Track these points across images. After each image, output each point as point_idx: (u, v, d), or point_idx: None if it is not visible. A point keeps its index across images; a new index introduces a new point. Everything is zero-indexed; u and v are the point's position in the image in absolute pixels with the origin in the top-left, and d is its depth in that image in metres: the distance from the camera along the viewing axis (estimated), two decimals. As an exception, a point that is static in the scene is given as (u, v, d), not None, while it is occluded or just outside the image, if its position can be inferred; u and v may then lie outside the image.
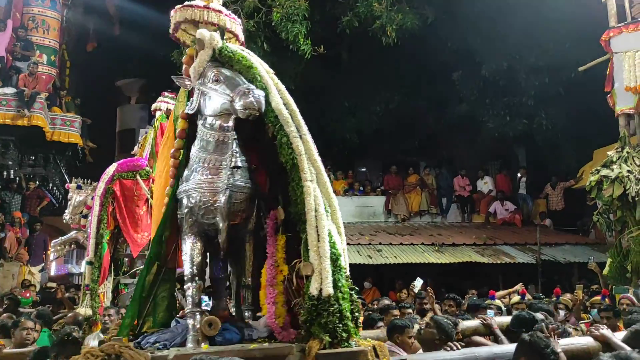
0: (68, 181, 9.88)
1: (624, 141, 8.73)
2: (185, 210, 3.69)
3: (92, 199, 7.49)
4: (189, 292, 3.64)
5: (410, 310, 6.33)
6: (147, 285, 3.84)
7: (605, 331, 3.85)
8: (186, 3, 4.04)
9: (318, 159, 3.73)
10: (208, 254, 3.94)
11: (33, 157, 14.10)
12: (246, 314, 3.87)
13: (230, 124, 3.67)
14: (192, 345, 3.45)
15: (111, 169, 7.36)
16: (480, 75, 14.71)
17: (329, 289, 3.34)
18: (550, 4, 12.63)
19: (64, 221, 8.84)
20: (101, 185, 7.24)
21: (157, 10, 12.87)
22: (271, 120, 3.68)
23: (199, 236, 3.73)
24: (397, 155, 16.67)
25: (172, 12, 4.11)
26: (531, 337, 3.10)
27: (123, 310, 6.61)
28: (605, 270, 8.46)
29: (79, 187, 8.55)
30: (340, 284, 3.42)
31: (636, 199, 7.96)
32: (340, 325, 3.35)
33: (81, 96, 15.48)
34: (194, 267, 3.66)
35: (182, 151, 3.93)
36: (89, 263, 7.02)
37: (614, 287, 7.85)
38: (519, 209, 15.34)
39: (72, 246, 8.96)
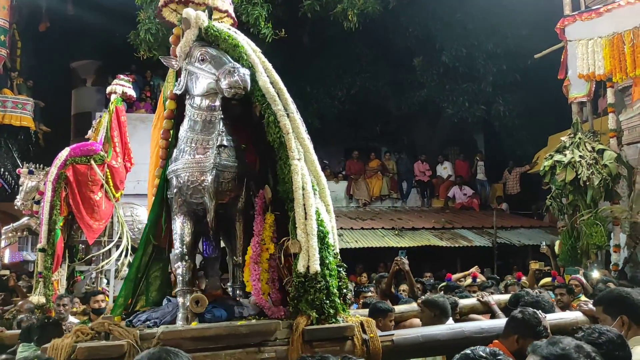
0: (20, 166, 9.55)
1: (576, 127, 8.97)
2: (175, 190, 3.72)
3: (45, 184, 7.27)
4: (179, 271, 3.68)
5: (370, 294, 6.40)
6: (142, 266, 3.89)
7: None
8: None
9: (306, 137, 3.79)
10: (200, 233, 3.98)
11: (-17, 142, 13.60)
12: (237, 292, 3.89)
13: (217, 103, 3.66)
14: (182, 323, 3.47)
15: (64, 153, 7.14)
16: (440, 61, 14.86)
17: (315, 266, 3.41)
18: (508, -9, 12.82)
19: (16, 207, 8.57)
20: (53, 171, 7.03)
21: (112, -11, 12.50)
22: (258, 98, 3.71)
23: (188, 216, 3.76)
24: (358, 141, 16.74)
25: None
26: (523, 314, 3.08)
27: (77, 299, 6.51)
28: (557, 251, 8.72)
29: (30, 172, 8.29)
30: (327, 261, 3.50)
31: (587, 183, 8.20)
32: (327, 301, 3.43)
33: (34, 78, 14.92)
34: (184, 247, 3.71)
35: (171, 132, 3.93)
36: (42, 250, 6.83)
37: (565, 268, 8.10)
38: (477, 194, 15.67)
39: (25, 233, 8.69)
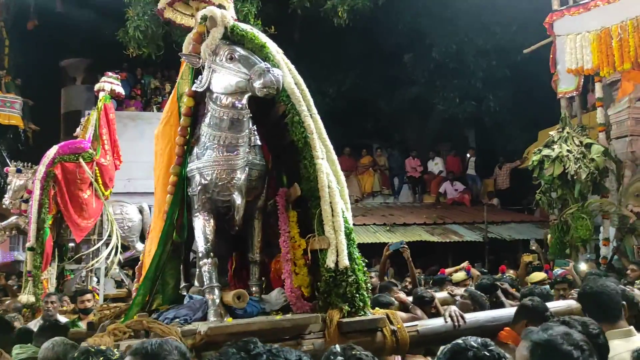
0: (9, 165, 9.49)
1: (564, 122, 9.02)
2: (199, 188, 3.70)
3: (33, 183, 7.22)
4: (205, 268, 3.70)
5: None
6: (161, 264, 3.88)
7: None
8: None
9: (327, 137, 3.85)
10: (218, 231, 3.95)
11: (-29, 140, 13.50)
12: (254, 289, 3.90)
13: (244, 102, 3.64)
14: (216, 319, 3.48)
15: (52, 151, 7.10)
16: (431, 57, 14.89)
17: (345, 261, 3.48)
18: (497, -13, 12.85)
19: (4, 206, 8.51)
20: (42, 169, 6.99)
21: (101, -13, 12.43)
22: (283, 99, 3.73)
23: (211, 213, 3.76)
24: (349, 137, 16.75)
25: None
26: (532, 301, 3.40)
27: (66, 298, 6.48)
28: (545, 247, 8.79)
29: (18, 171, 8.23)
30: (354, 256, 3.58)
31: (575, 177, 8.26)
32: (358, 295, 3.51)
33: (22, 76, 14.82)
34: (209, 244, 3.72)
35: (188, 129, 3.91)
36: (30, 249, 6.80)
37: (555, 261, 8.15)
38: (468, 189, 15.73)
39: (13, 232, 8.63)
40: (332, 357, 2.04)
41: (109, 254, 7.42)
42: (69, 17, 14.42)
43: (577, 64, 8.69)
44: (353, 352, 2.05)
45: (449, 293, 5.11)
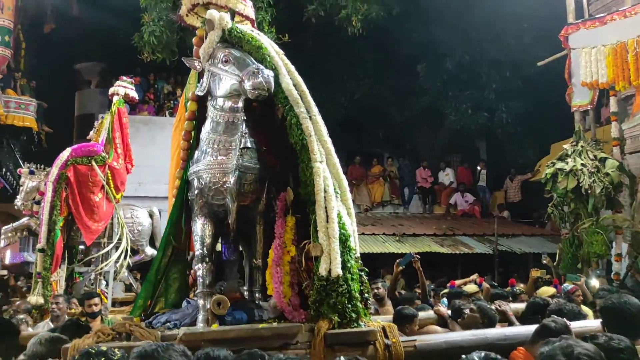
0: (22, 166, 9.56)
1: (578, 135, 8.94)
2: (196, 192, 3.72)
3: (45, 184, 7.27)
4: (199, 273, 3.68)
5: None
6: (162, 267, 3.90)
7: None
8: None
9: (328, 140, 3.80)
10: (219, 236, 3.99)
11: (-16, 141, 13.62)
12: (256, 295, 3.89)
13: (240, 104, 3.64)
14: (202, 325, 3.47)
15: (65, 154, 7.14)
16: (444, 67, 14.86)
17: (337, 270, 3.39)
18: (512, 0, 12.81)
19: (16, 207, 8.56)
20: (54, 171, 7.03)
21: (117, -8, 12.55)
22: (281, 100, 3.71)
23: (209, 217, 3.75)
24: (360, 146, 16.73)
25: None
26: (555, 323, 3.14)
27: (75, 300, 6.49)
28: (556, 261, 8.68)
29: (31, 173, 8.28)
30: (349, 265, 3.48)
31: (589, 191, 8.16)
32: (349, 305, 3.41)
33: (37, 79, 14.96)
34: (205, 248, 3.70)
35: (192, 133, 3.92)
36: (41, 250, 6.82)
37: (566, 275, 8.05)
38: (479, 201, 15.63)
39: (25, 233, 8.68)
40: None
41: (119, 257, 7.43)
42: (85, 21, 14.57)
43: (592, 77, 8.62)
44: None
45: (496, 308, 4.94)
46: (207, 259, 3.69)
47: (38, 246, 6.93)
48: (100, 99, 16.44)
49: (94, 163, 7.19)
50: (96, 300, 5.96)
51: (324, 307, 3.38)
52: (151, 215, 9.09)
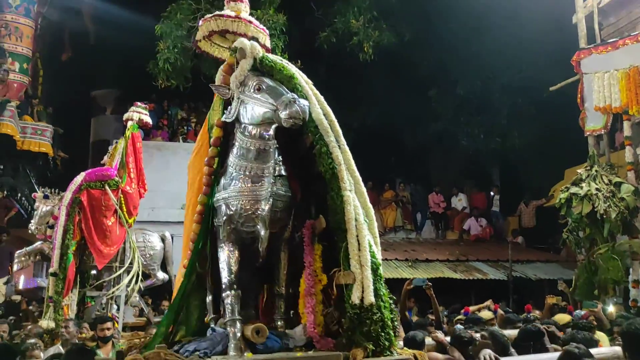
0: (37, 191, 9.66)
1: (593, 160, 8.87)
2: (224, 218, 3.69)
3: (59, 209, 7.33)
4: (227, 301, 3.64)
5: None
6: (186, 294, 3.87)
7: None
8: (216, 13, 4.07)
9: (355, 169, 3.77)
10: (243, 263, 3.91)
11: (2, 166, 13.75)
12: (279, 323, 3.84)
13: (271, 132, 3.64)
14: (235, 354, 3.42)
15: (79, 178, 7.22)
16: (456, 93, 14.91)
17: (371, 298, 3.37)
18: (524, 25, 12.88)
19: (30, 231, 8.63)
20: (68, 195, 7.09)
21: (133, 20, 12.82)
22: (311, 130, 3.71)
23: (236, 244, 3.72)
24: (373, 171, 16.71)
25: (200, 22, 4.17)
26: (579, 350, 3.16)
27: (86, 325, 6.48)
28: (572, 287, 8.55)
29: (45, 197, 8.37)
30: (381, 293, 3.46)
31: (604, 216, 8.07)
32: (383, 333, 3.39)
33: (54, 105, 15.22)
34: (232, 275, 3.67)
35: (216, 159, 3.92)
36: (53, 274, 6.85)
37: (583, 302, 7.91)
38: (491, 225, 15.49)
39: (37, 257, 8.72)
40: None
41: (130, 282, 7.43)
42: (102, 49, 14.89)
43: (605, 102, 8.59)
44: None
45: (480, 334, 4.90)
46: (235, 286, 3.66)
47: (50, 270, 6.96)
48: (115, 125, 16.68)
49: (107, 187, 7.25)
50: (109, 324, 5.94)
51: (357, 335, 3.36)
52: (163, 240, 9.11)
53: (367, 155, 16.22)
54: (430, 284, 5.93)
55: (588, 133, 9.26)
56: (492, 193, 16.08)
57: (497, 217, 15.84)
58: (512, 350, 4.56)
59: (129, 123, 7.94)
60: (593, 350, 3.84)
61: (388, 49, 13.08)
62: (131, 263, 7.58)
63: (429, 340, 4.80)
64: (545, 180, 14.88)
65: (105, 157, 8.18)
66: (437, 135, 15.68)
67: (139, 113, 8.04)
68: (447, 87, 15.12)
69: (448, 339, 4.78)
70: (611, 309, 7.35)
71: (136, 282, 7.50)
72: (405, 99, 15.77)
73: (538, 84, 12.91)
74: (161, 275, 8.81)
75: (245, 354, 3.42)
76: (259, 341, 3.43)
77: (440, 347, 4.52)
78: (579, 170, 8.95)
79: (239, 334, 3.50)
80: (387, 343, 3.39)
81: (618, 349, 3.95)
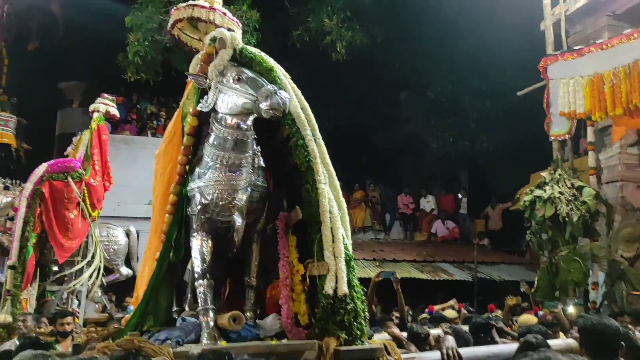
0: (0, 183, 9.40)
1: (556, 164, 9.05)
2: (199, 207, 3.69)
3: (20, 200, 7.13)
4: (200, 290, 3.65)
5: None
6: (157, 285, 3.85)
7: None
8: (190, 2, 4.06)
9: (329, 162, 3.82)
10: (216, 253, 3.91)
11: (-38, 157, 13.40)
12: (248, 314, 3.83)
13: (249, 123, 3.66)
14: (209, 342, 3.42)
15: (41, 169, 7.04)
16: (427, 96, 15.06)
17: (344, 288, 3.41)
18: (493, 31, 13.09)
19: (-11, 223, 8.38)
20: (29, 186, 6.91)
21: (103, 12, 12.58)
22: (288, 122, 3.74)
23: (210, 234, 3.73)
24: (343, 171, 16.71)
25: (173, 10, 4.18)
26: (536, 339, 3.49)
27: (44, 319, 6.32)
28: (534, 289, 8.71)
29: (6, 188, 8.15)
30: (353, 284, 3.52)
31: (566, 219, 8.24)
32: (355, 323, 3.45)
33: (19, 96, 14.84)
34: (205, 265, 3.68)
35: (191, 148, 3.91)
36: (12, 267, 6.66)
37: (544, 303, 8.07)
38: (458, 228, 15.70)
39: (-4, 250, 8.48)
40: None
41: (91, 276, 7.28)
42: (70, 40, 14.55)
43: (570, 107, 8.76)
44: None
45: (444, 330, 5.00)
46: (207, 275, 3.67)
47: (8, 263, 6.77)
48: (82, 119, 16.24)
49: (70, 179, 7.09)
50: (69, 319, 5.82)
51: (331, 324, 3.41)
52: (128, 235, 8.96)
53: (338, 155, 16.23)
54: (398, 278, 5.99)
55: (553, 138, 9.45)
56: (460, 196, 16.31)
57: (464, 219, 16.08)
58: None
59: (95, 115, 7.79)
60: (550, 342, 4.03)
61: (361, 49, 13.14)
62: (93, 257, 7.43)
63: (385, 336, 4.86)
64: (512, 183, 15.13)
65: (69, 149, 7.99)
66: (407, 137, 15.83)
67: (105, 105, 7.89)
68: (418, 89, 15.28)
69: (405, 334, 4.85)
70: (571, 310, 7.52)
71: (97, 276, 7.35)
72: (377, 100, 15.89)
73: (507, 89, 13.12)
74: (125, 270, 8.66)
75: (219, 342, 3.43)
76: (236, 329, 3.45)
77: (396, 343, 4.58)
78: (543, 174, 9.13)
79: (212, 323, 3.51)
80: (359, 332, 3.46)
81: (571, 341, 4.10)
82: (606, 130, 9.82)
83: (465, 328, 5.19)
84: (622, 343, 2.86)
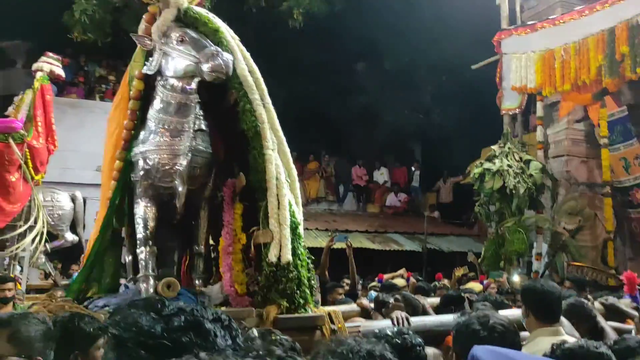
0: None
1: (506, 137, 9.28)
2: (141, 173, 3.60)
3: (-44, 162, 6.75)
4: (142, 256, 3.57)
5: None
6: (100, 251, 3.79)
7: None
8: None
9: (279, 128, 3.77)
10: (162, 220, 3.82)
11: None
12: (197, 282, 3.79)
13: (193, 86, 3.57)
14: None
15: (-21, 129, 6.66)
16: (383, 68, 15.04)
17: (287, 256, 3.39)
18: (450, 4, 13.13)
19: None
20: (-34, 147, 6.54)
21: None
22: (235, 86, 3.64)
23: (153, 200, 3.64)
24: (298, 142, 16.64)
25: None
26: (485, 308, 3.48)
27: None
28: (481, 259, 8.98)
29: (-59, 149, 7.68)
30: (298, 252, 3.51)
31: (513, 191, 8.48)
32: (298, 291, 3.43)
33: (-44, 55, 14.03)
34: (148, 231, 3.60)
35: (137, 113, 3.78)
36: (-52, 231, 6.34)
37: (489, 272, 8.33)
38: (411, 201, 15.95)
39: None
40: (250, 342, 1.94)
41: (33, 241, 7.01)
42: (13, -4, 13.74)
43: (521, 82, 8.97)
44: (272, 337, 1.96)
45: (394, 297, 5.03)
46: (150, 242, 3.59)
47: (-55, 227, 6.44)
48: (26, 80, 15.45)
49: (11, 140, 6.72)
50: (10, 285, 5.57)
51: (273, 292, 3.39)
52: (73, 200, 8.65)
53: (292, 126, 16.17)
54: (351, 242, 6.03)
55: (504, 112, 9.66)
56: (413, 168, 16.51)
57: (416, 192, 16.31)
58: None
59: (39, 74, 7.38)
60: (503, 312, 4.11)
61: (318, 18, 12.96)
62: (35, 222, 7.14)
63: (352, 307, 4.88)
64: (465, 157, 15.35)
65: (10, 109, 7.56)
66: (362, 109, 15.82)
67: (50, 64, 7.48)
68: (374, 61, 15.24)
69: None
70: (516, 278, 7.79)
71: (40, 242, 7.09)
72: (333, 70, 15.75)
73: (462, 63, 13.24)
74: (70, 236, 8.38)
75: None
76: (170, 295, 3.38)
77: (364, 313, 4.63)
78: (493, 147, 9.34)
79: (151, 290, 3.45)
80: (302, 301, 3.45)
81: (517, 312, 4.19)
82: (555, 106, 10.09)
83: (433, 301, 5.22)
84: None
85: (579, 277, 6.45)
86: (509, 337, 2.12)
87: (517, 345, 2.22)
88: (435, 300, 5.32)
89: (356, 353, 1.36)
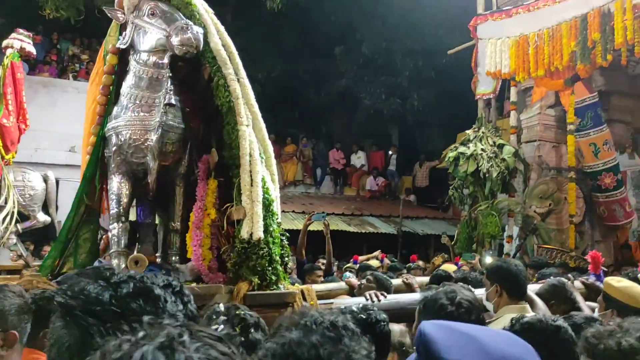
0: None
1: (480, 122, 9.39)
2: (114, 149, 3.55)
3: None
4: (114, 232, 3.54)
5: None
6: (73, 227, 3.76)
7: None
8: None
9: (255, 104, 3.71)
10: (136, 196, 3.85)
11: None
12: (173, 258, 3.77)
13: (166, 60, 3.51)
14: None
15: (-53, 106, 6.51)
16: (361, 52, 15.04)
17: (259, 233, 3.37)
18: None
19: None
20: None
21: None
22: (209, 60, 3.59)
23: (126, 176, 3.60)
24: (275, 125, 16.62)
25: None
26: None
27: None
28: (454, 241, 9.12)
29: None
30: (271, 229, 3.48)
31: (486, 175, 8.61)
32: (270, 268, 3.41)
33: None
34: (120, 207, 3.56)
35: (111, 88, 3.73)
36: None
37: (462, 254, 8.48)
38: (388, 184, 16.08)
39: None
40: (215, 317, 1.95)
41: (4, 221, 6.91)
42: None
43: (496, 67, 9.03)
44: (237, 312, 1.97)
45: (403, 281, 5.09)
46: (123, 218, 3.57)
47: None
48: (-3, 58, 15.20)
49: (-20, 119, 6.61)
50: (-21, 265, 5.55)
51: (244, 269, 3.38)
52: (45, 180, 8.50)
53: (270, 108, 16.13)
54: (328, 221, 6.04)
55: (478, 97, 9.75)
56: (390, 152, 16.61)
57: (393, 176, 16.44)
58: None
59: (9, 51, 7.20)
60: (481, 291, 4.19)
61: (297, 0, 12.86)
62: (6, 201, 7.03)
63: (340, 285, 4.93)
64: (441, 142, 15.53)
65: (-21, 86, 7.42)
66: (340, 92, 15.83)
67: (20, 41, 7.29)
68: (352, 45, 15.23)
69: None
70: (488, 260, 7.93)
71: (11, 222, 6.99)
72: (312, 54, 15.71)
73: (439, 48, 13.30)
74: (42, 217, 8.25)
75: None
76: (138, 271, 3.36)
77: (351, 292, 4.68)
78: (467, 131, 9.45)
79: (123, 266, 3.43)
80: (273, 277, 3.44)
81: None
82: (528, 92, 10.22)
83: (422, 280, 5.29)
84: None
85: (539, 260, 6.60)
86: (474, 313, 2.18)
87: (481, 321, 2.29)
88: (425, 279, 5.42)
89: (319, 324, 1.39)
